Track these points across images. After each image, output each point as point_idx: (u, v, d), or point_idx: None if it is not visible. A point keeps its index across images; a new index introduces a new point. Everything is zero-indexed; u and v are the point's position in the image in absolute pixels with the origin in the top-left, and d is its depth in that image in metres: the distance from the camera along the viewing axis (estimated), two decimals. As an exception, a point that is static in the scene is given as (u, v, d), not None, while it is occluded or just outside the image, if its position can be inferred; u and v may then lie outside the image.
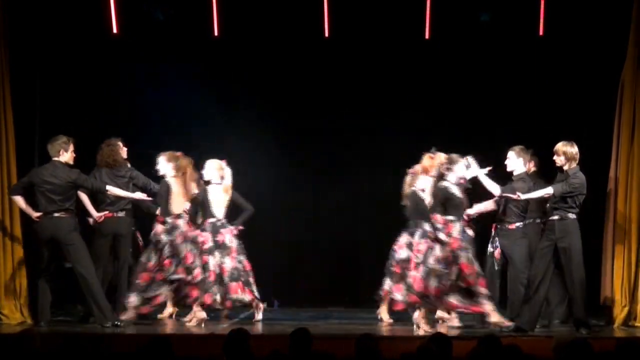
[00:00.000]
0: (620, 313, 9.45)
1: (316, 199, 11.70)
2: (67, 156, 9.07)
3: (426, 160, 9.33)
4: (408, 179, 9.61)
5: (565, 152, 8.84)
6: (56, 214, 8.90)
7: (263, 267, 11.64)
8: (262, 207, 11.56)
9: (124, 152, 9.78)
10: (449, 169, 8.83)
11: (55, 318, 9.32)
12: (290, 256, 11.69)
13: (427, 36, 11.21)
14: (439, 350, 5.42)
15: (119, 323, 8.85)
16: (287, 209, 11.63)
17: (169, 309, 9.99)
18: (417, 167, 9.49)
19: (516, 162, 9.33)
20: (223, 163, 9.90)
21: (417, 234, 9.17)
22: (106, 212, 9.49)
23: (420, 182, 9.39)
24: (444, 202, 8.66)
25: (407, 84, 11.61)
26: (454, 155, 8.98)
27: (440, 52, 11.46)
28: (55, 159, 9.02)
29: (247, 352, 5.63)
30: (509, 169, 9.36)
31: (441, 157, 9.10)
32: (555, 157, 8.90)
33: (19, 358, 5.69)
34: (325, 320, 9.88)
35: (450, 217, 8.61)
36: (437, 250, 8.53)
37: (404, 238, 9.53)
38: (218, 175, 9.80)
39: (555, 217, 8.75)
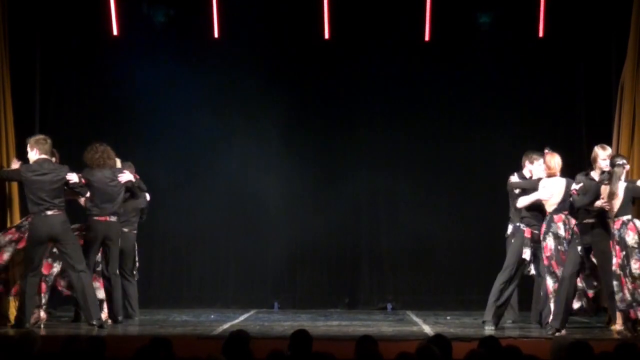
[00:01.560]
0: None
1: (316, 200, 11.68)
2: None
3: (558, 159, 8.96)
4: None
5: None
6: (49, 212, 8.80)
7: (263, 268, 11.69)
8: (262, 209, 11.61)
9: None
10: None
11: (50, 321, 9.26)
12: (290, 258, 11.68)
13: (427, 38, 11.23)
14: (438, 351, 5.42)
15: (102, 323, 8.80)
16: (286, 210, 11.62)
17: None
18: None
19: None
20: None
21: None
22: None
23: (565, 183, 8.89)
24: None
25: (407, 84, 11.61)
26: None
27: (440, 54, 11.47)
28: (46, 157, 8.88)
29: (246, 353, 5.63)
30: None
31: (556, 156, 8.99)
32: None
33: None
34: (325, 321, 9.87)
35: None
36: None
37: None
38: None
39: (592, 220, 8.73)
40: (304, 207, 11.64)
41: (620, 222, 8.44)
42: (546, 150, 8.98)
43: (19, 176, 8.92)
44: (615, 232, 8.45)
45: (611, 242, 8.50)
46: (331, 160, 11.78)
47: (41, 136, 9.03)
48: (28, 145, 8.95)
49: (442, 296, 11.48)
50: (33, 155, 8.91)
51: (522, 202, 9.08)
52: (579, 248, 8.59)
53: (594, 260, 8.79)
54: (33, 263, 8.80)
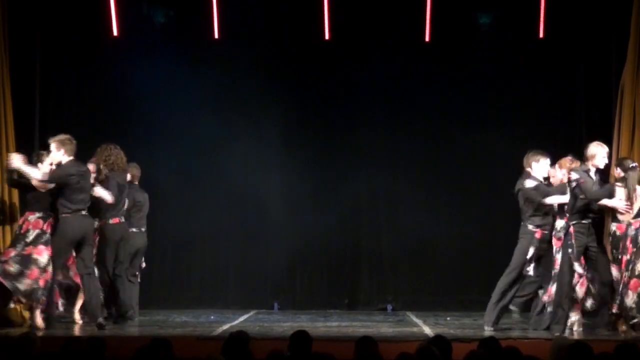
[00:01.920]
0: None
1: (316, 200, 11.67)
2: None
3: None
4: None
5: None
6: (84, 212, 8.75)
7: (263, 269, 11.69)
8: (262, 209, 11.60)
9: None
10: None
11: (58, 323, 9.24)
12: (290, 258, 11.67)
13: (427, 38, 11.23)
14: (438, 351, 5.42)
15: (104, 322, 8.79)
16: (286, 210, 11.61)
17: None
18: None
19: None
20: None
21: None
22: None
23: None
24: None
25: (407, 84, 11.60)
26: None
27: (440, 54, 11.46)
28: (72, 158, 8.79)
29: (246, 354, 5.63)
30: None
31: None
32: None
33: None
34: (325, 322, 9.86)
35: None
36: None
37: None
38: None
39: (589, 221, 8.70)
40: (303, 207, 11.63)
41: (639, 223, 8.55)
42: (569, 158, 8.98)
43: (67, 178, 8.65)
44: (632, 232, 8.52)
45: (622, 242, 8.56)
46: (331, 160, 11.76)
47: (65, 136, 8.81)
48: (53, 146, 8.73)
49: (442, 297, 11.47)
50: (59, 156, 8.73)
51: (553, 200, 8.89)
52: (570, 250, 8.50)
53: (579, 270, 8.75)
54: (56, 263, 8.72)
